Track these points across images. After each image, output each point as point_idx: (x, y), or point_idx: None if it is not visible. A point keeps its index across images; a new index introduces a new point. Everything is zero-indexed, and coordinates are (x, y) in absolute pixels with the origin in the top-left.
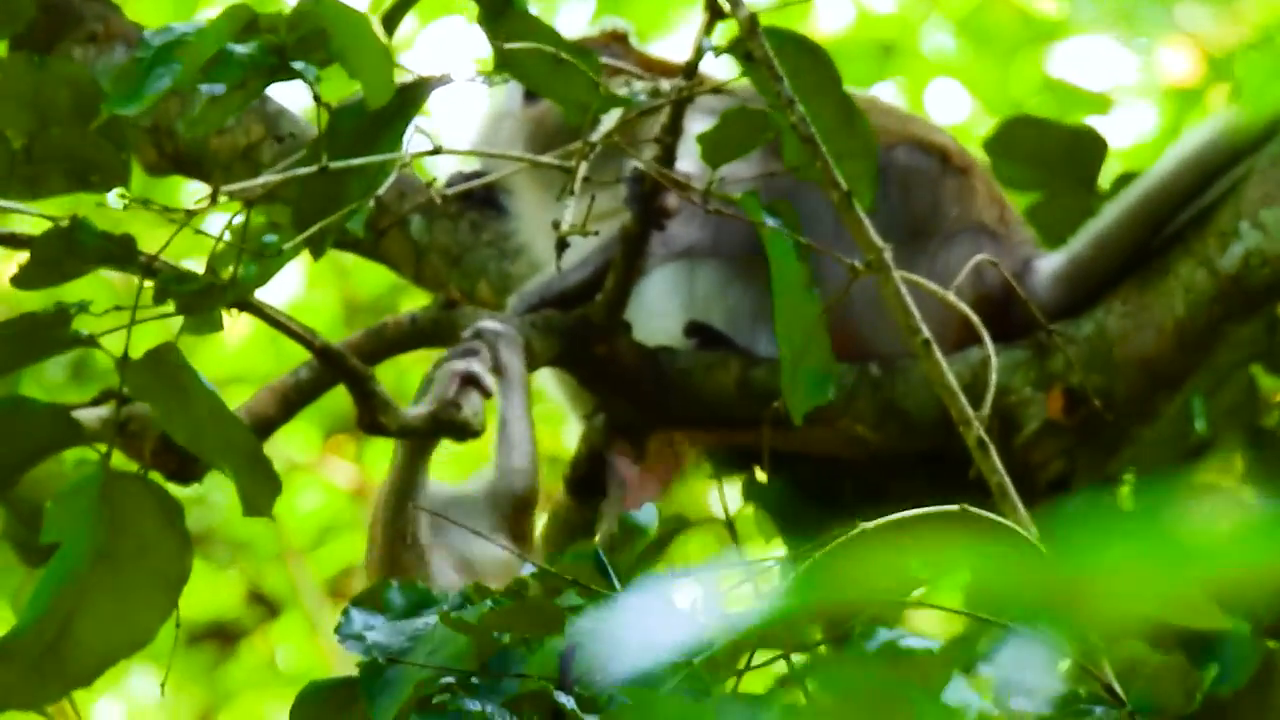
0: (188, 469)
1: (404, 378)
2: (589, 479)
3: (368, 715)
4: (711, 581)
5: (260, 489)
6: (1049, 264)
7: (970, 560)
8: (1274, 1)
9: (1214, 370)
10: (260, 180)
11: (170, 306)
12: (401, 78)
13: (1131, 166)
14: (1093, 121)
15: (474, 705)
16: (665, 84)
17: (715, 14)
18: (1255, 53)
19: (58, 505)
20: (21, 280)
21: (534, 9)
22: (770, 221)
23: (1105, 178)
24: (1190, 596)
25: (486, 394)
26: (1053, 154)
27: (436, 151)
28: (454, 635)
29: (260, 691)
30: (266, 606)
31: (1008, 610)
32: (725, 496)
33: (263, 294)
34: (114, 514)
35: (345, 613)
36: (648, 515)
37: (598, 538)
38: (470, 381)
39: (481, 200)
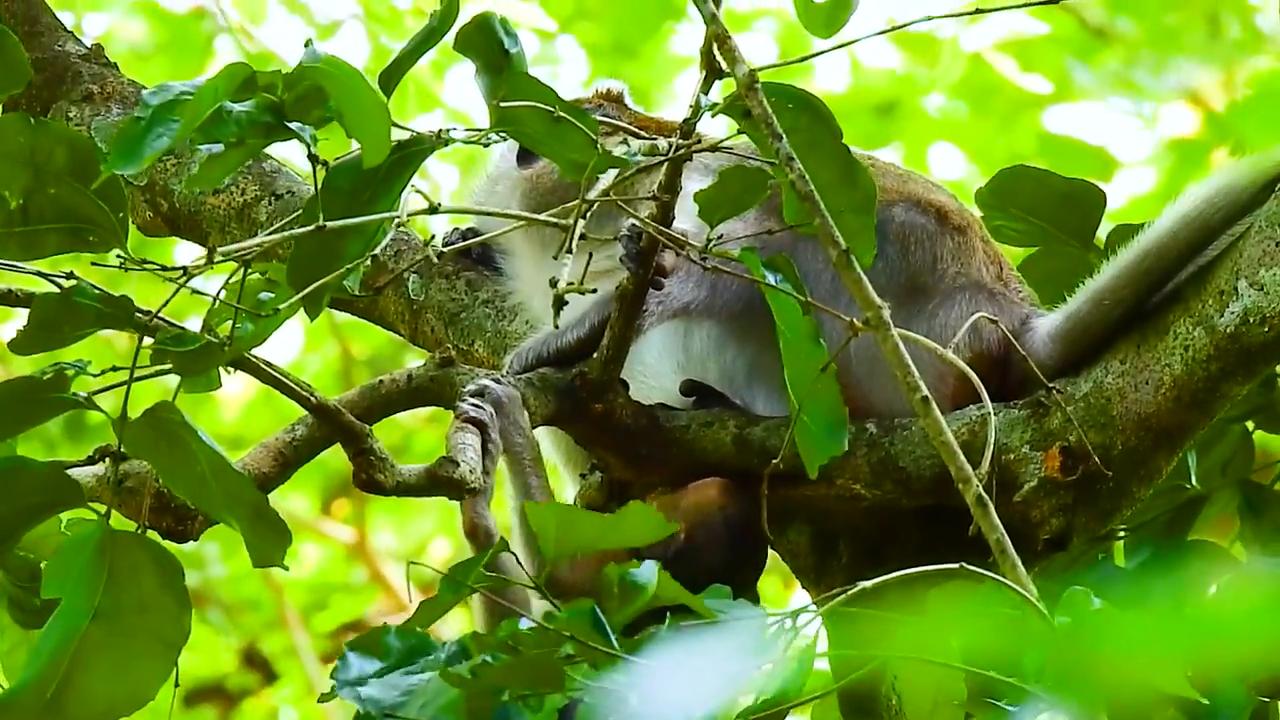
0: (184, 527)
1: (412, 438)
2: None
3: None
4: (726, 642)
5: (269, 540)
6: (1047, 322)
7: (977, 625)
8: (1272, 58)
9: (1209, 426)
10: (257, 240)
11: (168, 365)
12: (399, 135)
13: (1129, 222)
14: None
15: None
16: (662, 142)
17: (713, 72)
18: (1258, 110)
19: (56, 562)
20: (20, 345)
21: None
22: (771, 278)
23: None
24: (1196, 665)
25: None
26: (1049, 206)
27: (434, 210)
28: (448, 688)
29: None
30: (262, 669)
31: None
32: None
33: (261, 354)
34: (112, 572)
35: (343, 658)
36: (648, 573)
37: None
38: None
39: (478, 259)
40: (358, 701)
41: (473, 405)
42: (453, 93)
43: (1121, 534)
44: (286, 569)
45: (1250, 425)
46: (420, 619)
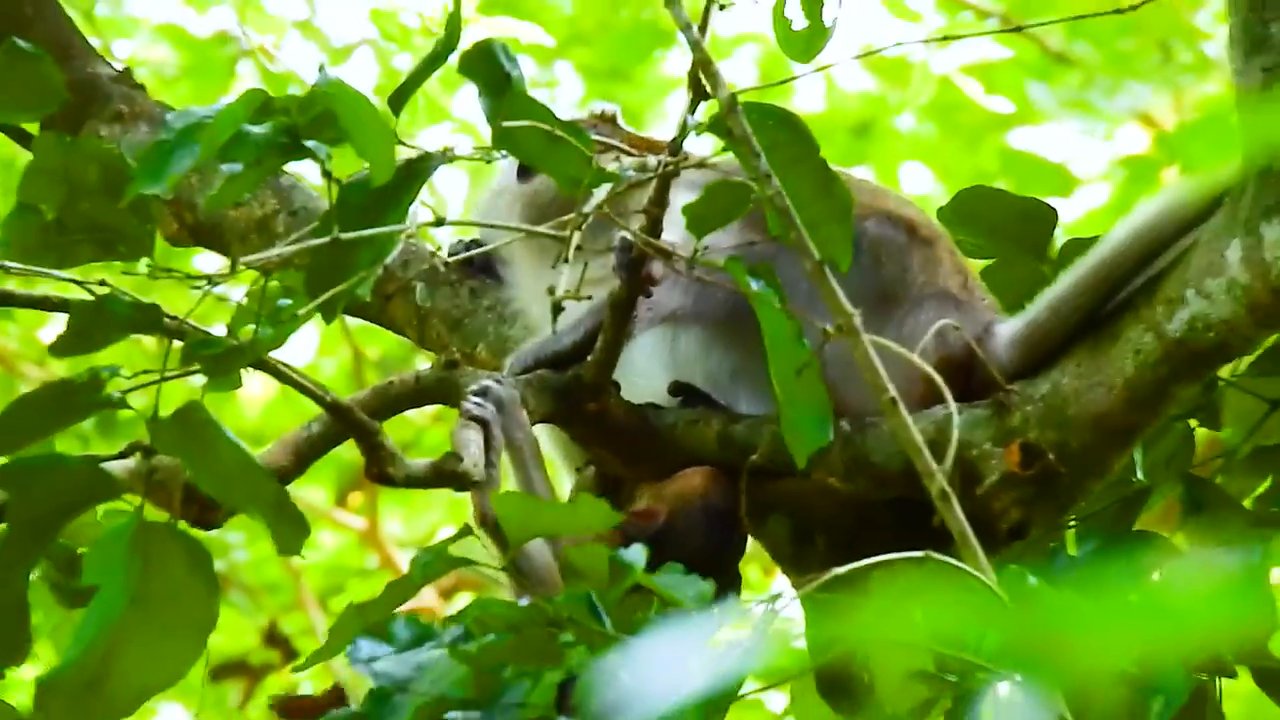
0: (210, 516)
1: (422, 434)
2: None
3: None
4: (716, 627)
5: (289, 531)
6: (1008, 328)
7: (941, 608)
8: (1219, 81)
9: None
10: (276, 251)
11: (195, 367)
12: (407, 153)
13: (1084, 234)
14: (1054, 198)
15: None
16: (652, 159)
17: (699, 94)
18: (1206, 131)
19: (94, 551)
20: (59, 349)
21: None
22: (754, 284)
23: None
24: (1141, 646)
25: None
26: (1005, 223)
27: (439, 223)
28: (456, 665)
29: None
30: (283, 647)
31: (979, 654)
32: None
33: (280, 356)
34: (146, 560)
35: (354, 642)
36: (635, 554)
37: None
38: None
39: (481, 269)
40: (373, 676)
41: (476, 404)
42: (461, 106)
43: (1072, 524)
44: (304, 557)
45: (1193, 423)
46: (388, 598)
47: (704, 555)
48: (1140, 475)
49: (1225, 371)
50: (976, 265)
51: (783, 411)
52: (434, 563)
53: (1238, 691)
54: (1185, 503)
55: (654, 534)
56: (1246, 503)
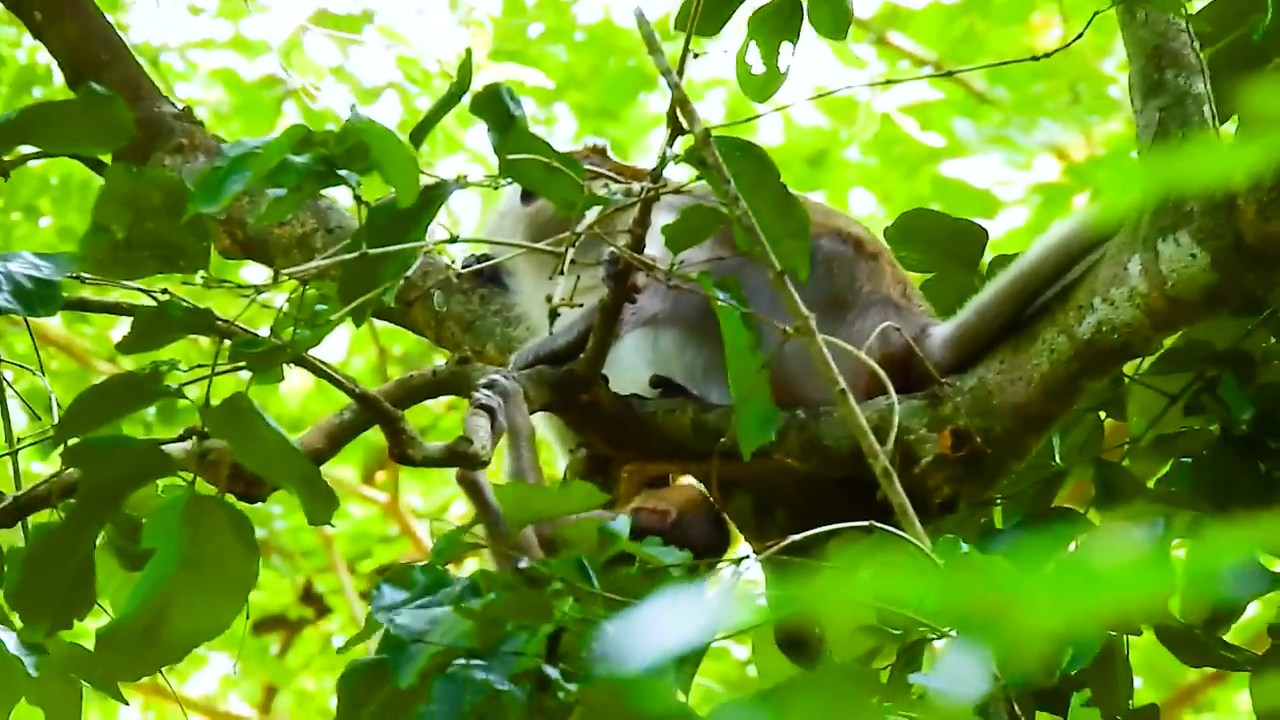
0: (254, 491)
1: (439, 420)
2: None
3: (395, 684)
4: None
5: (320, 504)
6: (941, 330)
7: (884, 572)
8: (1122, 120)
9: (1069, 414)
10: (314, 264)
11: (242, 363)
12: (426, 180)
13: (1007, 251)
14: (980, 219)
15: (480, 675)
16: (636, 186)
17: (676, 129)
18: (1111, 163)
19: (152, 520)
20: (125, 347)
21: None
22: (720, 295)
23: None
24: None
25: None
26: (942, 241)
27: (454, 240)
28: (462, 619)
29: (316, 672)
30: (316, 604)
31: (918, 611)
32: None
33: (316, 354)
34: (196, 528)
35: (378, 587)
36: (620, 525)
37: None
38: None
39: (489, 279)
40: (393, 626)
41: (485, 395)
42: (474, 139)
43: (999, 502)
44: (333, 526)
45: (1102, 414)
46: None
47: (704, 546)
48: (1058, 459)
49: (1130, 369)
50: (917, 279)
51: (736, 410)
52: (450, 546)
53: (1139, 644)
54: (1097, 484)
55: (667, 528)
56: (1150, 484)
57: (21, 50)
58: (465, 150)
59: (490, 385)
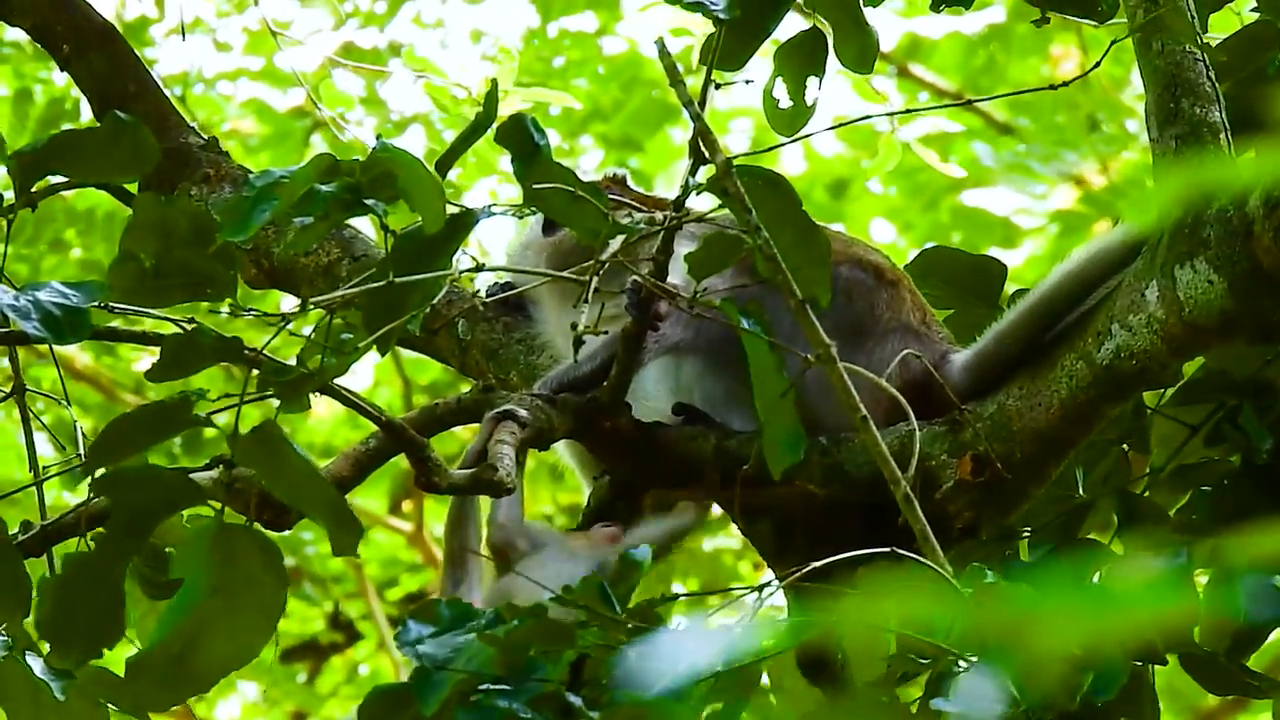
0: (281, 519)
1: (464, 448)
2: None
3: (419, 712)
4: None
5: (345, 534)
6: (961, 357)
7: (905, 597)
8: (1139, 149)
9: (1092, 447)
10: (340, 293)
11: (270, 391)
12: (452, 209)
13: (1026, 280)
14: (999, 248)
15: (503, 703)
16: (658, 215)
17: (699, 159)
18: (1125, 190)
19: (181, 549)
20: (155, 376)
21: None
22: (744, 322)
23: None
24: (1084, 635)
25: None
26: (962, 277)
27: (479, 269)
28: (486, 647)
29: (344, 699)
30: (346, 630)
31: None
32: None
33: (343, 383)
34: (225, 556)
35: (404, 624)
36: (643, 554)
37: None
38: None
39: (513, 307)
40: (417, 658)
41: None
42: (507, 161)
43: (1025, 534)
44: (358, 556)
45: (1125, 447)
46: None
47: None
48: (1082, 491)
49: (1152, 401)
50: (939, 314)
51: (764, 432)
52: None
53: (1162, 671)
54: (1119, 514)
55: None
56: (1170, 513)
57: (42, 85)
58: (499, 173)
59: (506, 415)
